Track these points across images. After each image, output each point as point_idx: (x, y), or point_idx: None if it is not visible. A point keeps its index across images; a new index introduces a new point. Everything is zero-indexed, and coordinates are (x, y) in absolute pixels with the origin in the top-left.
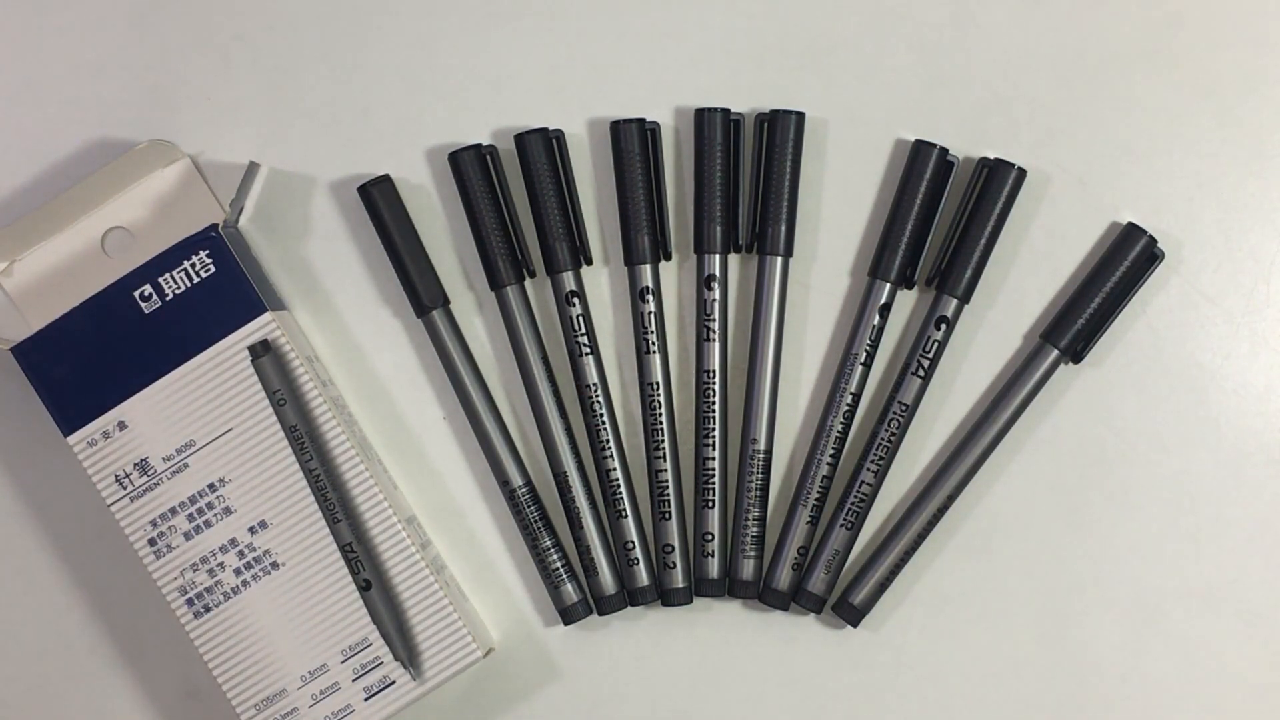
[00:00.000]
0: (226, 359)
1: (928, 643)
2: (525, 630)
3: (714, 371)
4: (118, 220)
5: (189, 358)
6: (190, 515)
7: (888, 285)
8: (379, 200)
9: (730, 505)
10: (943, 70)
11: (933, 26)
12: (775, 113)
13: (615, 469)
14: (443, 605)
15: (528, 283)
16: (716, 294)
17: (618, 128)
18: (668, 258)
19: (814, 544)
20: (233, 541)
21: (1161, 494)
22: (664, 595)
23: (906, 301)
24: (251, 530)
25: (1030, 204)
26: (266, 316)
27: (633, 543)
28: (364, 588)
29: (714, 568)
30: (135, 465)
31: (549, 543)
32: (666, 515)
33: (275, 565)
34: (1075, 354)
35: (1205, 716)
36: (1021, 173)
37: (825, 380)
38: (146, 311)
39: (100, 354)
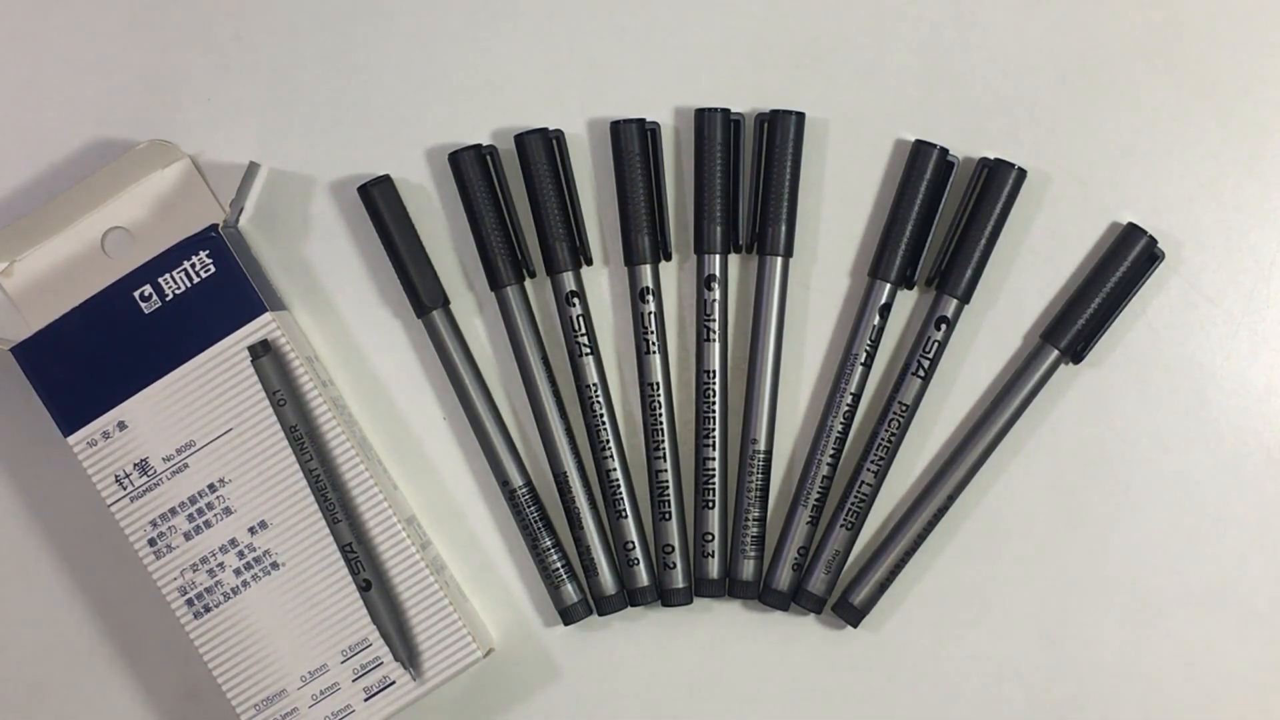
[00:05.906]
0: (226, 359)
1: (928, 643)
2: (525, 630)
3: (714, 372)
4: (118, 220)
5: (189, 358)
6: (190, 515)
7: (888, 285)
8: (379, 200)
9: (730, 505)
10: (943, 70)
11: (933, 26)
12: (775, 113)
13: (615, 469)
14: (443, 605)
15: (528, 283)
16: (716, 294)
17: (618, 128)
18: (668, 258)
19: (814, 544)
20: (233, 541)
21: (1161, 494)
22: (664, 595)
23: (906, 301)
24: (251, 530)
25: (1030, 204)
26: (266, 316)
27: (633, 543)
28: (364, 588)
29: (714, 568)
30: (135, 465)
31: (549, 543)
32: (666, 515)
33: (275, 565)
34: (1075, 354)
35: (1205, 716)
36: (1021, 173)
37: (825, 380)
38: (146, 312)
39: (100, 354)
